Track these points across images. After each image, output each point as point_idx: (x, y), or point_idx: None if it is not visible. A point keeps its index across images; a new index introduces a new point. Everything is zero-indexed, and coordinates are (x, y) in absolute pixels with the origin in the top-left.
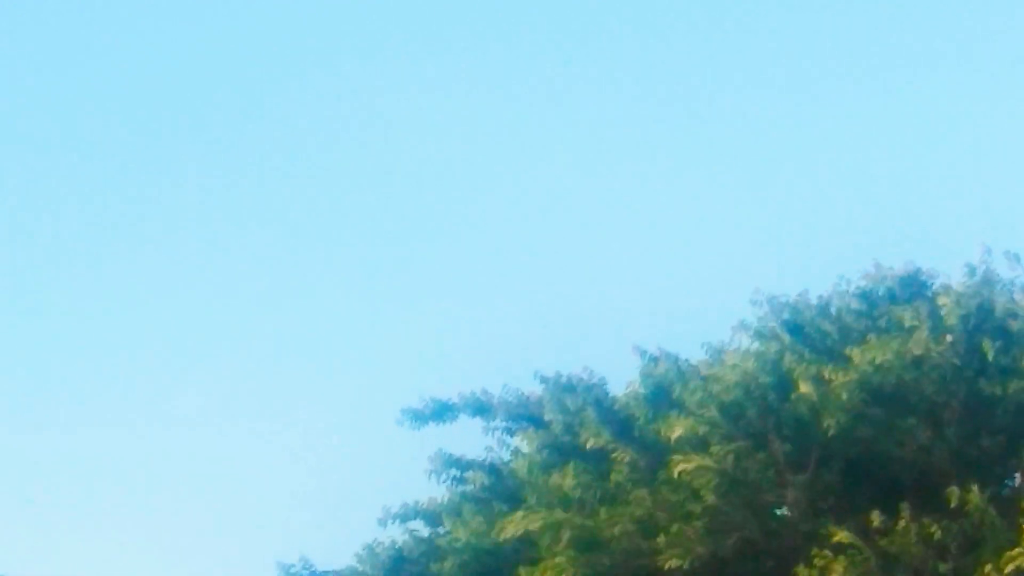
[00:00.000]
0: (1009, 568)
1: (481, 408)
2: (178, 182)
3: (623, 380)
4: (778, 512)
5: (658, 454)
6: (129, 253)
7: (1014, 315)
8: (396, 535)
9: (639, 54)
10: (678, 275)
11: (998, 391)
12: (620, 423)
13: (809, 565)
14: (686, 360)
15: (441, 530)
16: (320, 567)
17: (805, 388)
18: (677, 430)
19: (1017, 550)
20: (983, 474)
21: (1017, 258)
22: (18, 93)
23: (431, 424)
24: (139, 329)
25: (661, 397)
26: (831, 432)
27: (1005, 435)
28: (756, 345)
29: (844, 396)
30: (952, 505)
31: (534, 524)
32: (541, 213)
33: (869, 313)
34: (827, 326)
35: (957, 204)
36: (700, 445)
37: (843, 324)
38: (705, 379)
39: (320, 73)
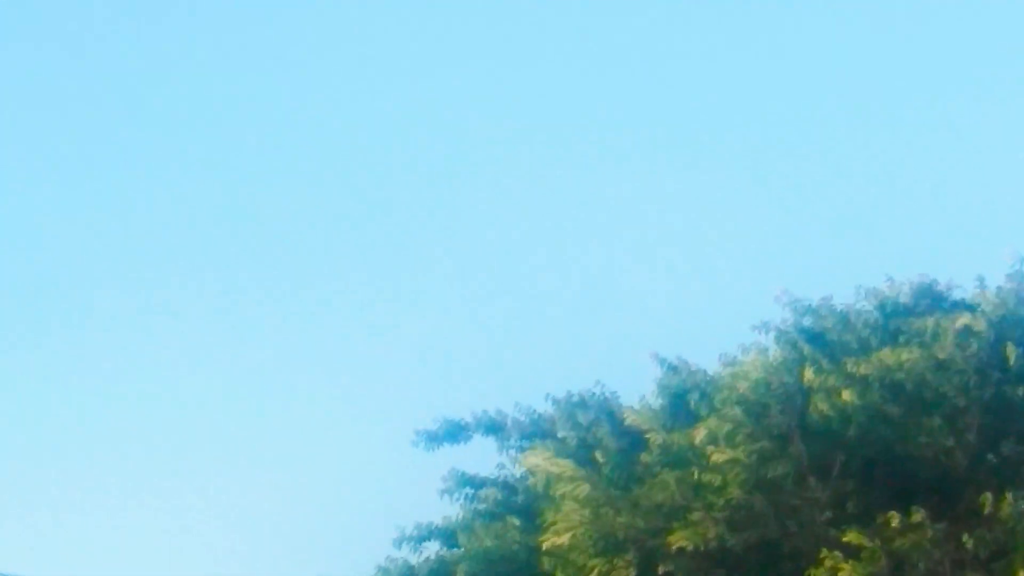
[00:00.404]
0: None
1: (494, 427)
2: (187, 194)
3: (635, 394)
4: (799, 514)
5: (690, 442)
6: (139, 259)
7: None
8: (410, 556)
9: (657, 56)
10: (689, 289)
11: (1021, 396)
12: (633, 436)
13: (820, 565)
14: (703, 370)
15: (456, 551)
16: None
17: (823, 398)
18: (702, 430)
19: None
20: (1004, 479)
21: None
22: (17, 93)
23: (445, 445)
24: (150, 350)
25: (679, 407)
26: (852, 433)
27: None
28: (776, 349)
29: (866, 393)
30: (985, 512)
31: (557, 468)
32: (551, 230)
33: (886, 325)
34: (847, 335)
35: (982, 212)
36: (727, 442)
37: (862, 335)
38: (731, 376)
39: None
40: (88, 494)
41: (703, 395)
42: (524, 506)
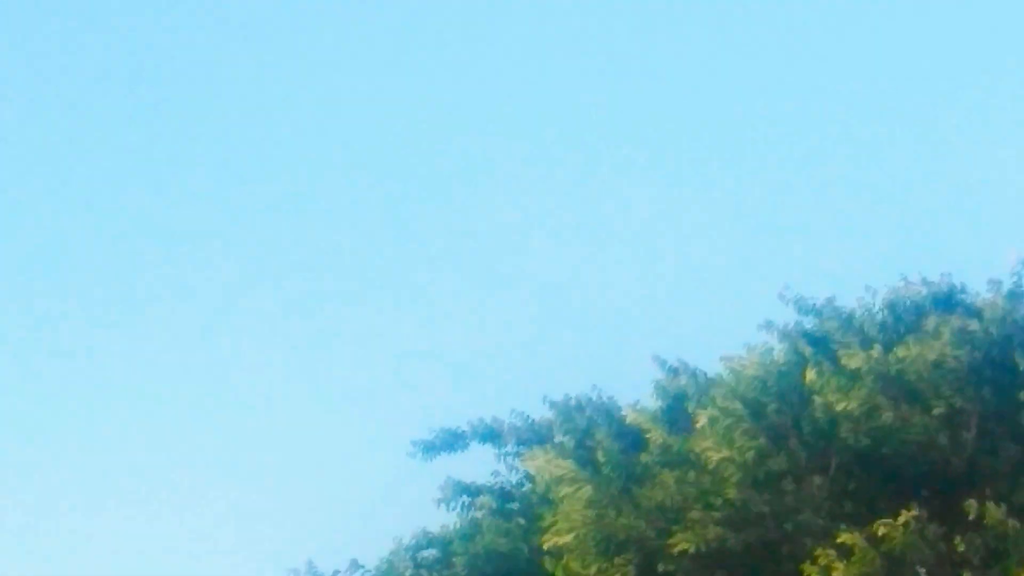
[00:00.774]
0: None
1: (491, 435)
2: (188, 192)
3: (632, 397)
4: (798, 513)
5: (689, 443)
6: (139, 259)
7: None
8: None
9: (657, 55)
10: (687, 292)
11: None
12: (632, 435)
13: (814, 562)
14: (703, 372)
15: (455, 560)
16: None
17: (822, 396)
18: (701, 419)
19: None
20: (1004, 479)
21: None
22: (17, 93)
23: (442, 454)
24: (146, 354)
25: (677, 410)
26: (848, 431)
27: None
28: (780, 348)
29: (861, 388)
30: (971, 517)
31: (559, 470)
32: (550, 233)
33: (896, 326)
34: (851, 336)
35: (989, 213)
36: (724, 438)
37: (869, 335)
38: (729, 373)
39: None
40: (87, 496)
41: (702, 397)
42: (521, 512)
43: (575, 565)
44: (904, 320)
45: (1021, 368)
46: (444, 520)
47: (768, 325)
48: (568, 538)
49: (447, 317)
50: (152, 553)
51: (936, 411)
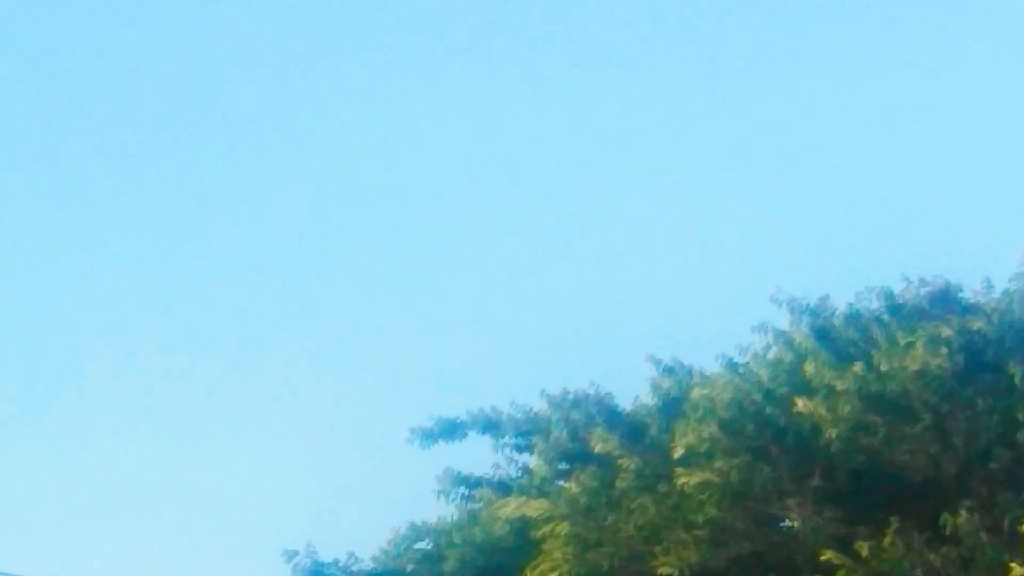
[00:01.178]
0: None
1: (490, 425)
2: (184, 193)
3: (631, 395)
4: (783, 524)
5: (665, 463)
6: (133, 258)
7: None
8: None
9: (656, 54)
10: (688, 288)
11: (1016, 407)
12: (629, 428)
13: None
14: (700, 371)
15: (450, 550)
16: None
17: (803, 404)
18: (680, 448)
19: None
20: (997, 486)
21: None
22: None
23: (440, 442)
24: (143, 344)
25: (672, 409)
26: (833, 444)
27: (1018, 452)
28: (774, 350)
29: (846, 407)
30: (947, 531)
31: (534, 512)
32: (548, 227)
33: (892, 326)
34: (852, 334)
35: (992, 213)
36: (704, 458)
37: (869, 334)
38: (702, 398)
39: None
40: (84, 487)
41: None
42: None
43: None
44: (900, 322)
45: (1011, 371)
46: (442, 511)
47: (763, 327)
48: None
49: (448, 309)
50: (149, 538)
51: (924, 422)
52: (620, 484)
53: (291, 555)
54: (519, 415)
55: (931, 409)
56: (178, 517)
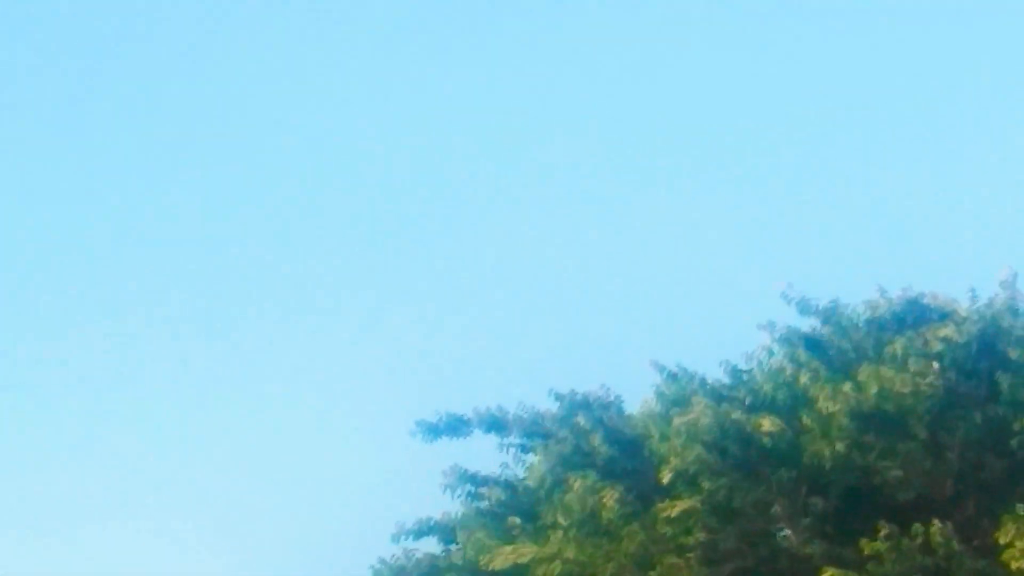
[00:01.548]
0: None
1: (496, 424)
2: (188, 190)
3: (639, 395)
4: (777, 538)
5: (639, 510)
6: (138, 258)
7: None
8: (403, 554)
9: (659, 55)
10: (698, 291)
11: (1006, 416)
12: (628, 443)
13: None
14: (704, 377)
15: (453, 547)
16: None
17: (771, 425)
18: (667, 474)
19: None
20: (994, 496)
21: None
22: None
23: (444, 438)
24: (148, 337)
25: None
26: (824, 461)
27: (1013, 462)
28: (779, 352)
29: (835, 426)
30: (918, 541)
31: (523, 558)
32: (559, 227)
33: (875, 339)
34: (845, 344)
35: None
36: (692, 481)
37: (855, 343)
38: (684, 425)
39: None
40: (84, 487)
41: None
42: (526, 507)
43: None
44: (888, 331)
45: (999, 380)
46: (446, 507)
47: (770, 326)
48: None
49: (458, 309)
50: (158, 531)
51: (918, 438)
52: (606, 515)
53: None
54: (525, 415)
55: (925, 425)
56: (178, 517)
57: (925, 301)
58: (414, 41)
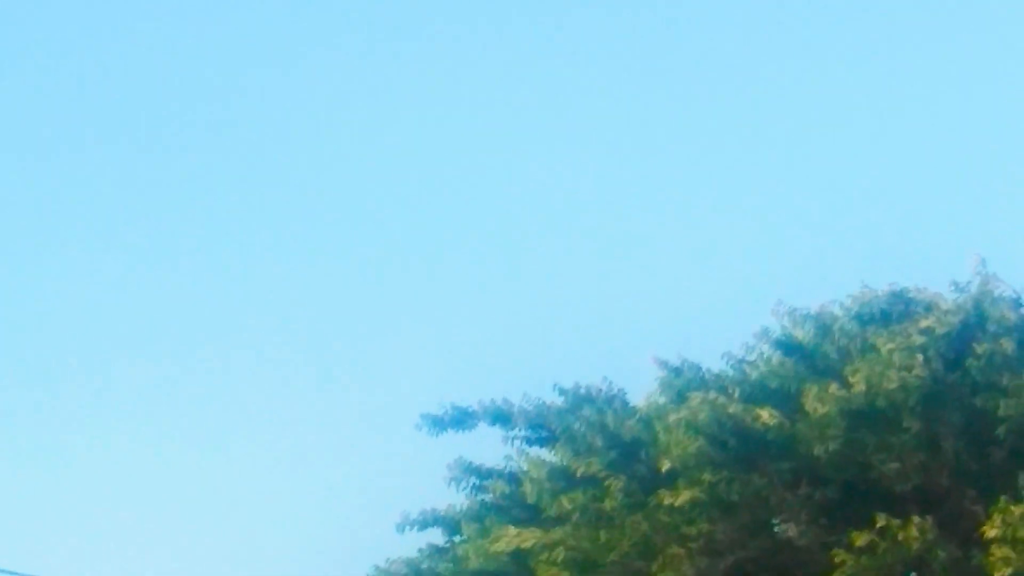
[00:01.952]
0: None
1: (501, 417)
2: (188, 188)
3: (644, 389)
4: (777, 530)
5: (640, 502)
6: (140, 256)
7: (1007, 331)
8: (409, 547)
9: (661, 56)
10: (702, 283)
11: (992, 407)
12: (632, 435)
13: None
14: (707, 370)
15: (457, 539)
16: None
17: (769, 417)
18: (665, 463)
19: None
20: (993, 486)
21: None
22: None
23: (450, 431)
24: (150, 332)
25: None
26: (821, 455)
27: (1004, 450)
28: (777, 355)
29: (828, 424)
30: (897, 536)
31: (527, 542)
32: (565, 218)
33: (862, 335)
34: (827, 346)
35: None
36: (693, 473)
37: (840, 344)
38: (680, 420)
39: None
40: (83, 485)
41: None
42: (530, 499)
43: None
44: (875, 325)
45: (977, 367)
46: (451, 499)
47: (764, 332)
48: None
49: (463, 304)
50: (164, 521)
51: (911, 430)
52: (609, 503)
53: None
54: (530, 408)
55: (917, 417)
56: (177, 516)
57: (910, 295)
58: (414, 41)
